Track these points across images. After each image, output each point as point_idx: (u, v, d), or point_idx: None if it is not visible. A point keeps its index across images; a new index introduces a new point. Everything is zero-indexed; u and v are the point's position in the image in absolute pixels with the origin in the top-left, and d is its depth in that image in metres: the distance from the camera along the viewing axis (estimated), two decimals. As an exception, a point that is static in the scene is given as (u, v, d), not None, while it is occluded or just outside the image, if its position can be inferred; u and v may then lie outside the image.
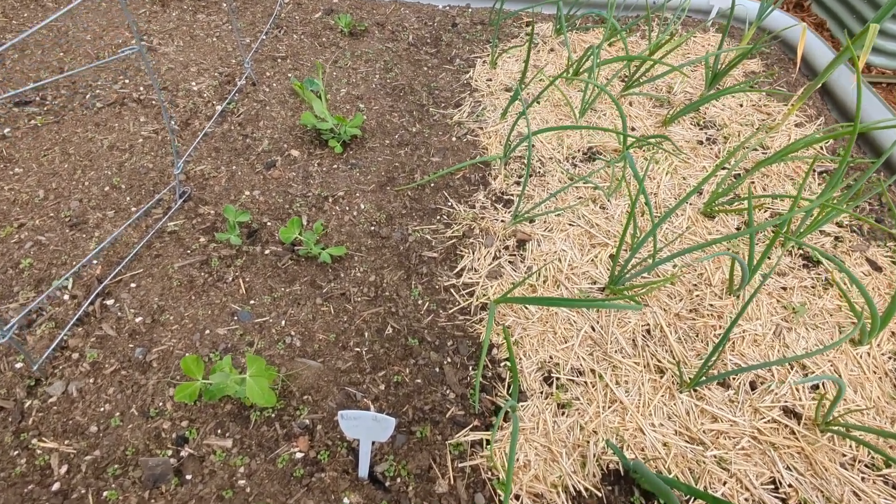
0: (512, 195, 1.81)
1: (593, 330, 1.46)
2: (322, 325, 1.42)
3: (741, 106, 2.23)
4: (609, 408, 1.29)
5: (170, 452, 1.14)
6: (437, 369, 1.34)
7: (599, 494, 1.14)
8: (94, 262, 1.49)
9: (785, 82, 2.35)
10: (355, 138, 1.95)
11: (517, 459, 1.18)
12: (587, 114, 2.13)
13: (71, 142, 1.83)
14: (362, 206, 1.73)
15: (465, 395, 1.30)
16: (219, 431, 1.19)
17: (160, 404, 1.22)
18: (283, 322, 1.41)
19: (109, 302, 1.41)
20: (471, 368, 1.36)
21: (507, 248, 1.66)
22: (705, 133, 2.10)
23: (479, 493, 1.12)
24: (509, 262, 1.62)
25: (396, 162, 1.89)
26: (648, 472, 1.08)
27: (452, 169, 1.81)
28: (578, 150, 1.99)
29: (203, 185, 1.74)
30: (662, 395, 1.33)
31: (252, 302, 1.45)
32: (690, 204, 1.83)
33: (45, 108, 1.94)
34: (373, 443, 1.19)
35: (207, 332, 1.37)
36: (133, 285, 1.45)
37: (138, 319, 1.38)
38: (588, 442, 1.22)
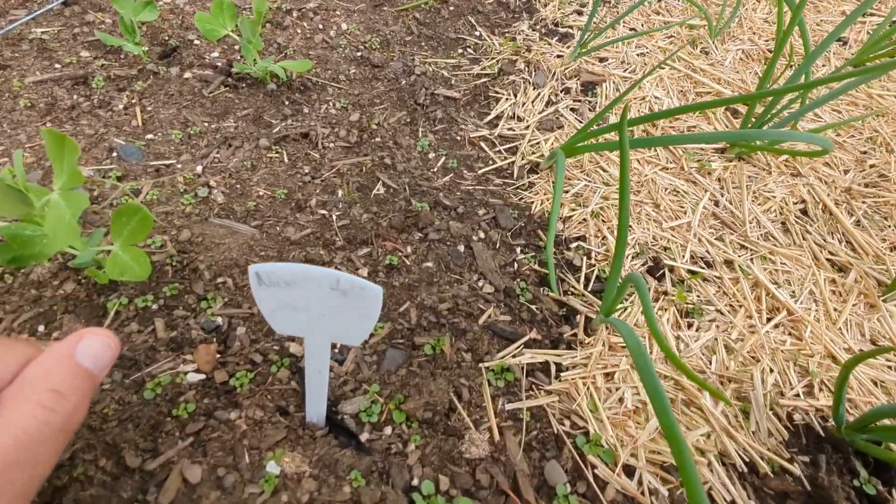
0: (570, 26, 1.21)
1: (716, 205, 0.89)
2: (267, 176, 0.83)
3: (877, -49, 1.61)
4: (770, 321, 0.73)
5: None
6: (462, 247, 0.77)
7: (794, 470, 0.57)
8: None
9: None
10: (339, -53, 1.33)
11: (621, 400, 0.61)
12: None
13: None
14: (344, 27, 1.13)
15: (512, 290, 0.73)
16: (39, 330, 0.61)
17: (-63, 278, 0.64)
18: (200, 167, 0.83)
19: None
20: (519, 251, 0.78)
21: (566, 91, 1.07)
22: (836, -25, 1.49)
23: (551, 459, 0.56)
24: (572, 109, 1.03)
25: (399, -21, 1.27)
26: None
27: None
28: (662, -17, 1.38)
29: (100, -14, 1.13)
30: (854, 305, 0.76)
31: (150, 137, 0.86)
32: (834, 54, 1.24)
33: None
34: (335, 355, 0.62)
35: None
36: (-53, 100, 0.86)
37: (-56, 149, 0.79)
38: (749, 375, 0.65)
